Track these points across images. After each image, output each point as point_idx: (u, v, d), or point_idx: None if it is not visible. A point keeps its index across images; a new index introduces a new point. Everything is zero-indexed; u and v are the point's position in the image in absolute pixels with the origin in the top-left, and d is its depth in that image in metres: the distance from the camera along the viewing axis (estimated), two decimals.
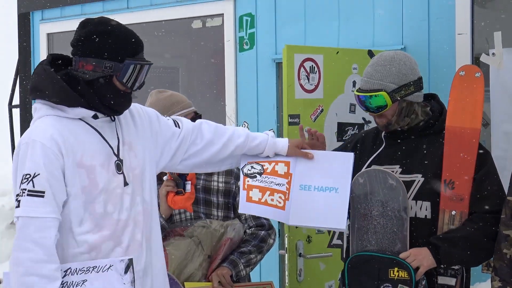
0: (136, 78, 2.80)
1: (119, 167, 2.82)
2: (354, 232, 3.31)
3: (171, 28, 6.68)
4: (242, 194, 3.24)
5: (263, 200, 3.22)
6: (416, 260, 3.17)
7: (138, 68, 2.79)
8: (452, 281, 3.27)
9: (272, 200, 3.23)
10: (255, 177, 3.24)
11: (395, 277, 3.17)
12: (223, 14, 5.80)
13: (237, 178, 3.70)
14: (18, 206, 2.65)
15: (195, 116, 3.67)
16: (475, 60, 4.62)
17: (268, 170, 3.25)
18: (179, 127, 3.10)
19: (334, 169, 3.26)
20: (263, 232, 3.69)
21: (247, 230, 3.69)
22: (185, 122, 3.15)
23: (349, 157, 3.28)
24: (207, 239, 3.50)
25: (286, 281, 4.18)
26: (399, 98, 3.29)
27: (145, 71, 2.83)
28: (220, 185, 3.67)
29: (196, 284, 3.45)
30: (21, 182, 2.65)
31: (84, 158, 2.73)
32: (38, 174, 2.64)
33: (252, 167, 3.26)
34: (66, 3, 6.77)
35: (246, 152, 3.21)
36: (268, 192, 3.23)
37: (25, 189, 2.64)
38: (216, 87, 6.19)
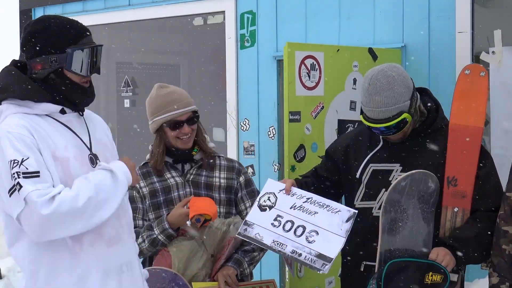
0: (87, 63, 2.75)
1: (92, 161, 2.76)
2: (384, 232, 3.22)
3: (173, 25, 6.70)
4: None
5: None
6: (445, 261, 3.17)
7: (86, 52, 2.74)
8: (454, 277, 3.28)
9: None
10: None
11: (429, 282, 3.14)
12: (224, 11, 5.82)
13: (239, 174, 3.70)
14: (19, 189, 2.50)
15: (192, 116, 3.60)
16: (475, 58, 4.65)
17: None
18: None
19: None
20: None
21: None
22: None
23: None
24: (210, 239, 3.49)
25: (287, 277, 4.20)
26: (413, 110, 3.28)
27: (96, 53, 2.78)
28: (222, 181, 3.65)
29: (203, 284, 3.45)
30: (11, 168, 2.53)
31: (57, 150, 2.67)
32: (27, 158, 2.56)
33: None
34: (68, 0, 6.79)
35: None
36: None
37: (19, 172, 2.53)
38: (217, 84, 6.21)
